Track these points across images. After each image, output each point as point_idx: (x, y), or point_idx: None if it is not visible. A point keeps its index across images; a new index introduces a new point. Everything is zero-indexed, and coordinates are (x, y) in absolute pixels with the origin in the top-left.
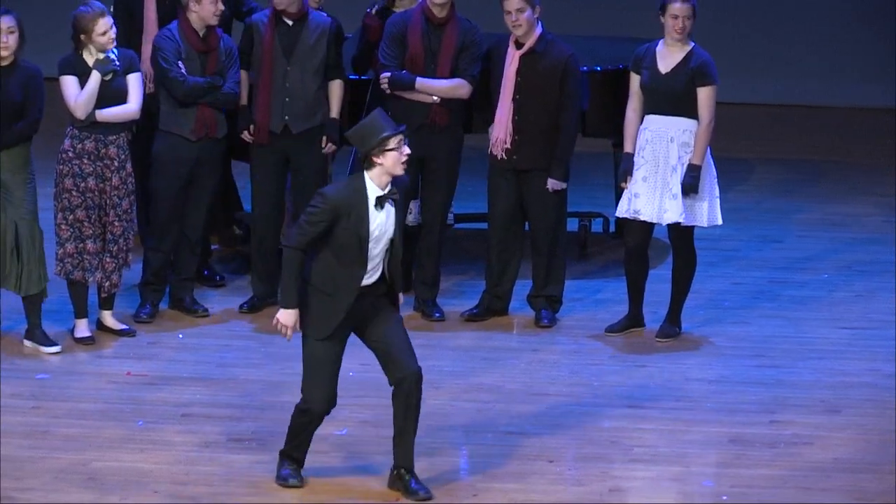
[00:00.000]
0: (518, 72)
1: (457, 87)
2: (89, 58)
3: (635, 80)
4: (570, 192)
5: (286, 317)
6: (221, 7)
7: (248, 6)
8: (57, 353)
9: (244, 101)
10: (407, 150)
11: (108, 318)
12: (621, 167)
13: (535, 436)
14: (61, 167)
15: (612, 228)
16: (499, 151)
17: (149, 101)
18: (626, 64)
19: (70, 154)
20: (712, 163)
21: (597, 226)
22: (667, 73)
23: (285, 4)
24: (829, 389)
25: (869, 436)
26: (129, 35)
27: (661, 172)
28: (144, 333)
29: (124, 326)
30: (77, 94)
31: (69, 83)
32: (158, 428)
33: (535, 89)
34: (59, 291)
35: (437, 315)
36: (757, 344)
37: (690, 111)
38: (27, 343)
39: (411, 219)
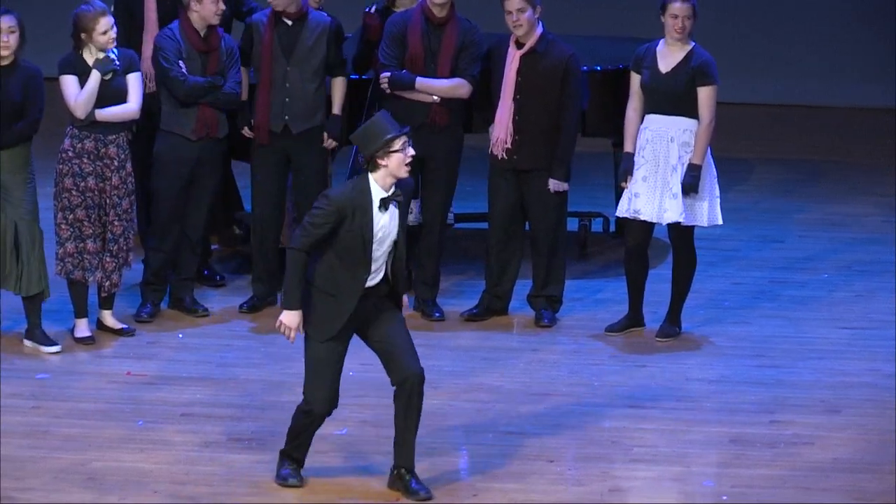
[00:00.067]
0: (519, 72)
1: (457, 87)
2: (89, 57)
3: (636, 79)
4: (570, 191)
5: (290, 318)
6: (223, 7)
7: (248, 6)
8: (57, 352)
9: (245, 97)
10: (411, 152)
11: (108, 318)
12: (621, 167)
13: (535, 436)
14: (61, 167)
15: (612, 228)
16: (499, 151)
17: (149, 100)
18: (625, 64)
19: (70, 153)
20: (712, 163)
21: (597, 225)
22: (667, 73)
23: (283, 5)
24: (829, 389)
25: (869, 436)
26: (129, 34)
27: (662, 172)
28: (144, 333)
29: (124, 326)
30: (77, 94)
31: (69, 83)
32: (158, 428)
33: (535, 89)
34: (59, 291)
35: (437, 315)
36: (757, 344)
37: (691, 111)
38: (27, 343)
39: (411, 218)
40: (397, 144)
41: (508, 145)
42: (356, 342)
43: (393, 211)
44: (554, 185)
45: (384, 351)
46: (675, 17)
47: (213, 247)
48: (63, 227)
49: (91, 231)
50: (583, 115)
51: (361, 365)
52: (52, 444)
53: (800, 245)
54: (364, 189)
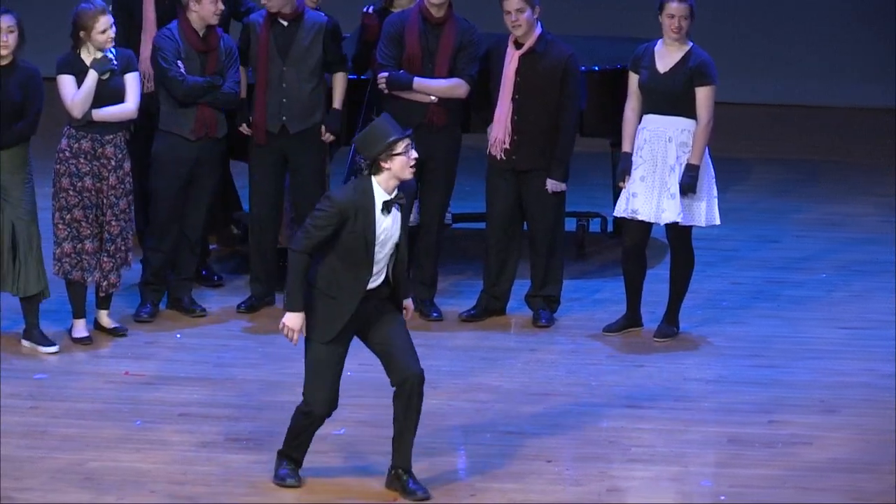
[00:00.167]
0: (517, 72)
1: (455, 87)
2: (87, 56)
3: (634, 79)
4: (568, 191)
5: (292, 320)
6: (222, 7)
7: (245, 6)
8: (55, 352)
9: (244, 96)
10: (414, 155)
11: (104, 318)
12: (619, 167)
13: (533, 436)
14: (58, 166)
15: (610, 228)
16: (498, 152)
17: (148, 100)
18: (623, 64)
19: (67, 153)
20: (710, 163)
21: (595, 225)
22: (665, 73)
23: (278, 7)
24: (827, 389)
25: (866, 436)
26: (128, 34)
27: (660, 172)
28: (142, 333)
29: (116, 325)
30: (73, 94)
31: (66, 82)
32: (156, 428)
33: (534, 89)
34: (56, 291)
35: (435, 315)
36: (755, 344)
37: (689, 111)
38: (25, 343)
39: (410, 219)
40: (400, 147)
41: (507, 145)
42: (355, 343)
43: (395, 214)
44: (552, 185)
45: (384, 352)
46: (672, 16)
47: (211, 247)
48: (60, 227)
49: (89, 231)
50: (581, 115)
51: (360, 365)
52: (50, 444)
53: (797, 245)
54: (367, 191)
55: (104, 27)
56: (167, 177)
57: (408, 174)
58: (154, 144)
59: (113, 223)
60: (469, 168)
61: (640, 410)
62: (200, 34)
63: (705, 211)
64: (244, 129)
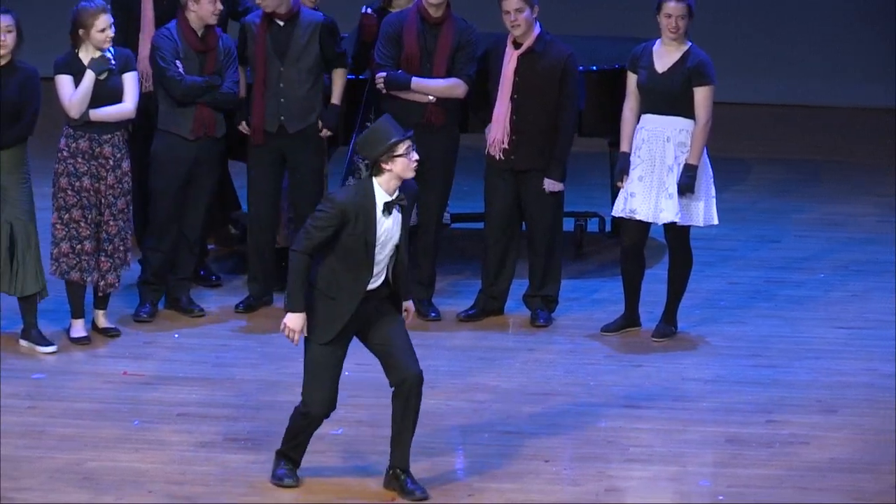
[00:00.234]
0: (516, 72)
1: (453, 87)
2: (85, 56)
3: (632, 79)
4: (566, 191)
5: (293, 321)
6: (220, 7)
7: (244, 5)
8: (53, 352)
9: (243, 95)
10: (415, 156)
11: (100, 318)
12: (618, 166)
13: (531, 435)
14: (57, 166)
15: (608, 228)
16: (496, 152)
17: (146, 100)
18: (622, 63)
19: (65, 153)
20: (708, 163)
21: (593, 225)
22: (664, 73)
23: (273, 7)
24: (826, 389)
25: (866, 436)
26: (126, 34)
27: (658, 172)
28: (141, 333)
29: (109, 326)
30: (71, 94)
31: (64, 83)
32: (154, 428)
33: (533, 89)
34: (54, 291)
35: (433, 315)
36: (753, 344)
37: (687, 111)
38: (23, 343)
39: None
40: (401, 149)
41: (505, 145)
42: (353, 343)
43: (396, 215)
44: (549, 184)
45: (383, 352)
46: (670, 16)
47: (209, 247)
48: (58, 226)
49: (88, 232)
50: (579, 114)
51: (357, 365)
52: (48, 444)
53: (797, 245)
54: (368, 193)
55: (103, 26)
56: (166, 176)
57: (410, 173)
58: (153, 144)
59: (111, 223)
60: (467, 168)
61: (638, 410)
62: (199, 34)
63: (703, 211)
64: (243, 127)
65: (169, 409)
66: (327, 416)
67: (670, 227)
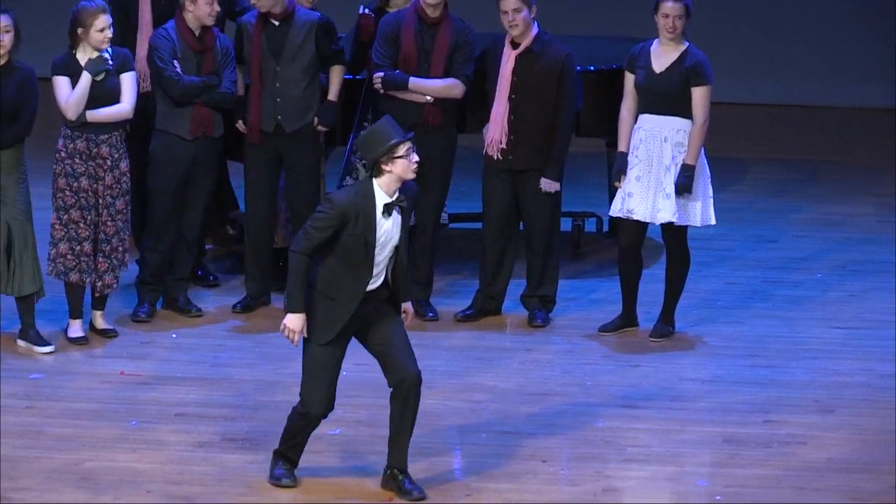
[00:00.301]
0: (514, 71)
1: (450, 87)
2: (83, 57)
3: (630, 79)
4: (563, 191)
5: (293, 321)
6: (217, 8)
7: (241, 6)
8: (50, 352)
9: (242, 93)
10: (416, 158)
11: (98, 318)
12: (615, 166)
13: (529, 436)
14: (55, 167)
15: (605, 228)
16: (494, 152)
17: (144, 100)
18: (619, 63)
19: (63, 154)
20: (706, 163)
21: (590, 225)
22: (661, 73)
23: (268, 7)
24: (823, 389)
25: (863, 436)
26: (124, 34)
27: (655, 172)
28: (138, 333)
29: (105, 327)
30: (68, 95)
31: (61, 84)
32: (152, 428)
33: (531, 89)
34: (52, 291)
35: (431, 315)
36: (751, 344)
37: (685, 111)
38: (21, 343)
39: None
40: (401, 150)
41: (503, 145)
42: (352, 343)
43: (395, 216)
44: (546, 184)
45: (382, 352)
46: (667, 16)
47: (207, 247)
48: (57, 227)
49: (87, 233)
50: (577, 114)
51: (356, 365)
52: (46, 444)
53: (794, 245)
54: (368, 194)
55: (102, 26)
56: (164, 176)
57: (411, 174)
58: (151, 144)
59: (109, 223)
60: (465, 168)
61: (635, 410)
62: (196, 34)
63: (701, 211)
64: (240, 125)
65: (167, 409)
66: (325, 416)
67: (668, 227)
